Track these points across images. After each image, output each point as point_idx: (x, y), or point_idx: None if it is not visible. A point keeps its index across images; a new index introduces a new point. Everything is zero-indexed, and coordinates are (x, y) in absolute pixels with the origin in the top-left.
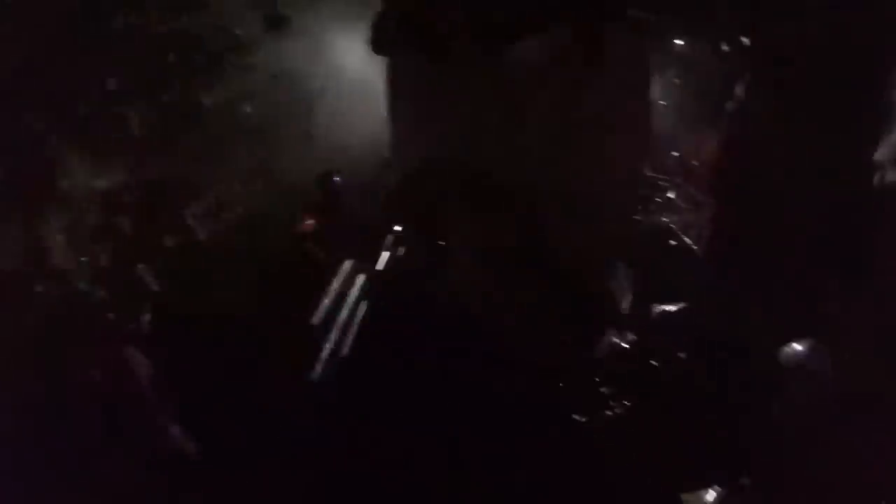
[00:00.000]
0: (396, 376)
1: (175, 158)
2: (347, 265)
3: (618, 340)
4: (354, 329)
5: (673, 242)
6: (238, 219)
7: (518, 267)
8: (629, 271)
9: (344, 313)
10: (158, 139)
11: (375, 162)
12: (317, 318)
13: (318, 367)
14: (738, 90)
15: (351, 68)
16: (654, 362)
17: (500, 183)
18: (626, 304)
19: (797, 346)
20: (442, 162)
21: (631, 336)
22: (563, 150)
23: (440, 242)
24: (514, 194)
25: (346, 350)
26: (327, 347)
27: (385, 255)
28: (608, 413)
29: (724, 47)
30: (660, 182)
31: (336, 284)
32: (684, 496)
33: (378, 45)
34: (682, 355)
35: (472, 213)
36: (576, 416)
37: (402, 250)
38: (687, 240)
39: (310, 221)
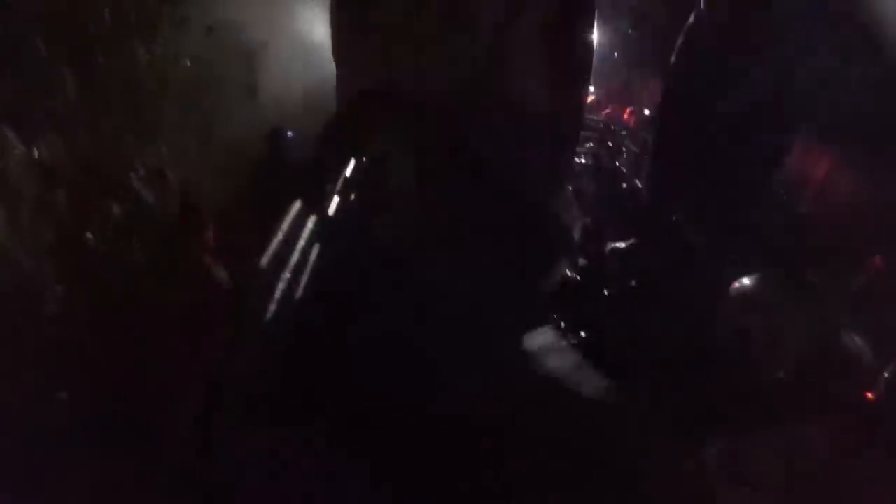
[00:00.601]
0: (350, 323)
1: (114, 120)
2: (296, 207)
3: (571, 273)
4: (307, 272)
5: (624, 185)
6: (183, 179)
7: (463, 198)
8: (576, 201)
9: (295, 256)
10: (95, 102)
11: (325, 116)
12: (266, 261)
13: (271, 311)
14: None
15: (299, 17)
16: (606, 292)
17: (440, 108)
18: (577, 234)
19: (747, 281)
20: (382, 89)
21: (583, 264)
22: (505, 73)
23: (384, 182)
24: (456, 120)
25: (299, 294)
26: (279, 291)
27: (336, 200)
28: (564, 343)
29: None
30: (612, 127)
31: (285, 226)
32: None
33: None
34: (633, 283)
35: (413, 141)
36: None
37: (353, 196)
38: (638, 182)
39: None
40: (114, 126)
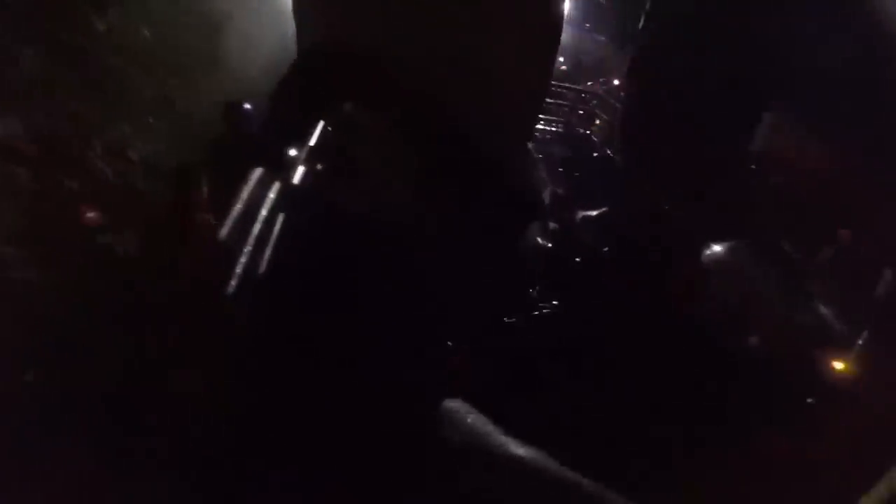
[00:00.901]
0: (315, 293)
1: (71, 94)
2: (258, 173)
3: (541, 240)
4: (270, 243)
5: (595, 153)
6: (144, 155)
7: (429, 160)
8: (545, 167)
9: (257, 226)
10: (52, 76)
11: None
12: (226, 231)
13: (233, 284)
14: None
15: None
16: (577, 259)
17: (404, 69)
18: (546, 198)
19: (717, 247)
20: (342, 48)
21: (554, 228)
22: (469, 33)
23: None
24: (422, 82)
25: (262, 265)
26: (241, 262)
27: (301, 169)
28: (536, 313)
29: None
30: (584, 95)
31: (245, 194)
32: None
33: None
34: (605, 250)
35: (377, 104)
36: (504, 318)
37: (318, 165)
38: (608, 151)
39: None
40: (72, 99)
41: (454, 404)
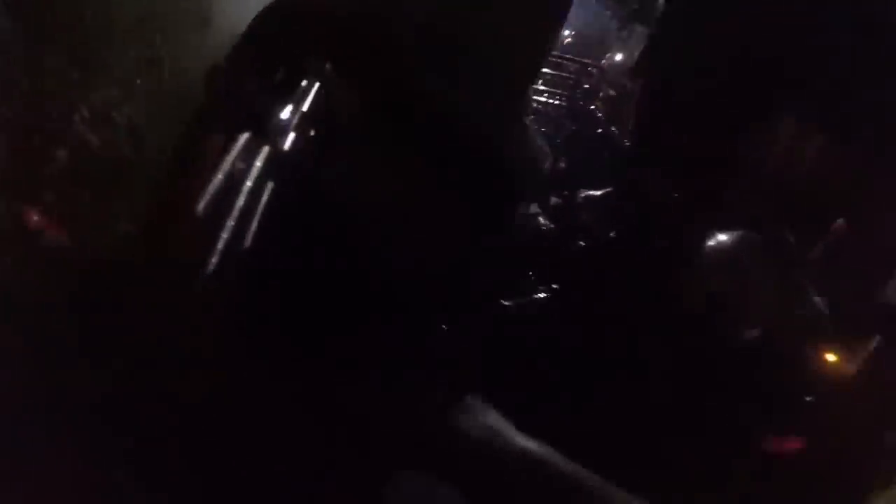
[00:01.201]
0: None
1: (53, 57)
2: (243, 140)
3: (542, 219)
4: (256, 216)
5: (599, 130)
6: (130, 120)
7: (413, 132)
8: (540, 135)
9: (242, 198)
10: (30, 37)
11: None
12: (202, 206)
13: (212, 263)
14: None
15: None
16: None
17: (385, 29)
18: (546, 165)
19: (722, 237)
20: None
21: (556, 204)
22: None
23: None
24: (404, 45)
25: (246, 241)
26: (222, 238)
27: (292, 136)
28: (535, 297)
29: None
30: (589, 69)
31: (228, 163)
32: None
33: None
34: (612, 235)
35: (355, 67)
36: (503, 301)
37: (311, 132)
38: (613, 128)
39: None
40: (54, 62)
41: (471, 399)
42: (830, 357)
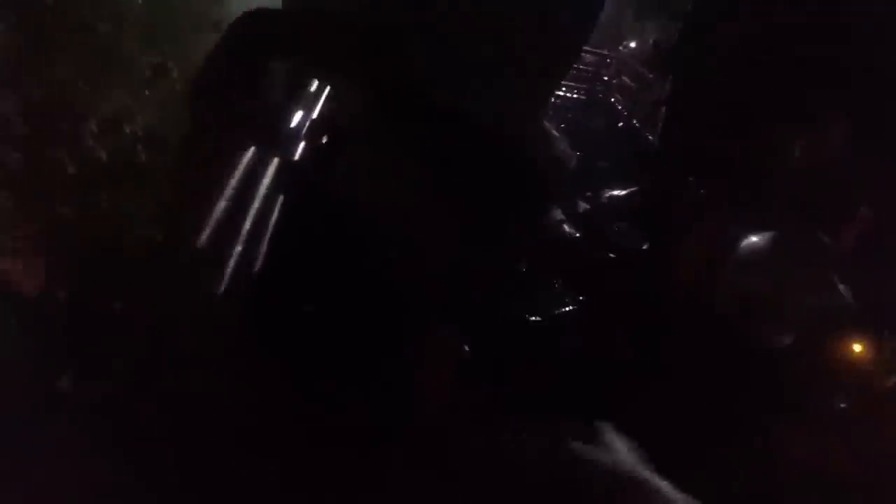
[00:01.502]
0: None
1: (63, 70)
2: (250, 154)
3: (566, 226)
4: (268, 229)
5: (620, 123)
6: (141, 131)
7: (427, 134)
8: (563, 136)
9: (254, 207)
10: (41, 51)
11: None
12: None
13: (224, 284)
14: None
15: None
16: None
17: (396, 31)
18: (572, 164)
19: (756, 238)
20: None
21: (583, 208)
22: None
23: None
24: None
25: (259, 256)
26: (234, 256)
27: (302, 145)
28: (563, 311)
29: None
30: (608, 59)
31: (235, 180)
32: None
33: None
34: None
35: (366, 70)
36: (530, 317)
37: (323, 139)
38: (635, 122)
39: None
40: (63, 75)
41: (604, 428)
42: (857, 347)
